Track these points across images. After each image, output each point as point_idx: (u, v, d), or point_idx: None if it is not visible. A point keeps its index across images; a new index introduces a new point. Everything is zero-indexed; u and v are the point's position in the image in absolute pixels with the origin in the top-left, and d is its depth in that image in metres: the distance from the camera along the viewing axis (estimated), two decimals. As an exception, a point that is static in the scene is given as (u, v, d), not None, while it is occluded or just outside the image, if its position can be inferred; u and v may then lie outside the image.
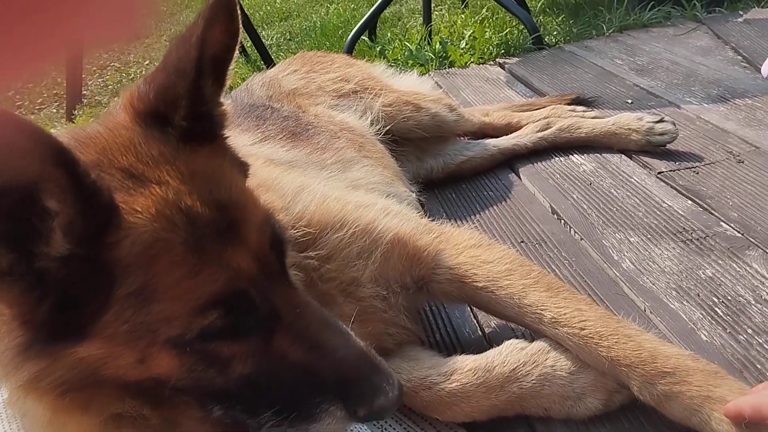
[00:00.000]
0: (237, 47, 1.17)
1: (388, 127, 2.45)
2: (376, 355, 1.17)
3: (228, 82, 1.19)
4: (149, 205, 1.00)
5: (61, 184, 0.91)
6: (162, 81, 1.12)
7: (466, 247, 1.57)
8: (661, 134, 2.42)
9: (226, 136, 1.22)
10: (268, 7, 7.09)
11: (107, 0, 0.46)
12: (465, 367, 1.40)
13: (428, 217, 1.76)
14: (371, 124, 2.42)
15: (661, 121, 2.45)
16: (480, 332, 1.73)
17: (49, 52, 0.44)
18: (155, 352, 1.03)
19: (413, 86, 2.79)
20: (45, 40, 0.43)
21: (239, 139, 1.90)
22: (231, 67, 1.18)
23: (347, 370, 1.12)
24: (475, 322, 1.77)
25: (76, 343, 1.01)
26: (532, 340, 1.46)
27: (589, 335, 1.36)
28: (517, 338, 1.48)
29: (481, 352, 1.47)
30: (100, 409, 1.09)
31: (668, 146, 2.43)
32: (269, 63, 4.63)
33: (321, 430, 1.12)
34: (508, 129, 2.76)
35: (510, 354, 1.41)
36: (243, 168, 1.24)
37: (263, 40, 5.06)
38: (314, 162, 1.95)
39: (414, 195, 2.25)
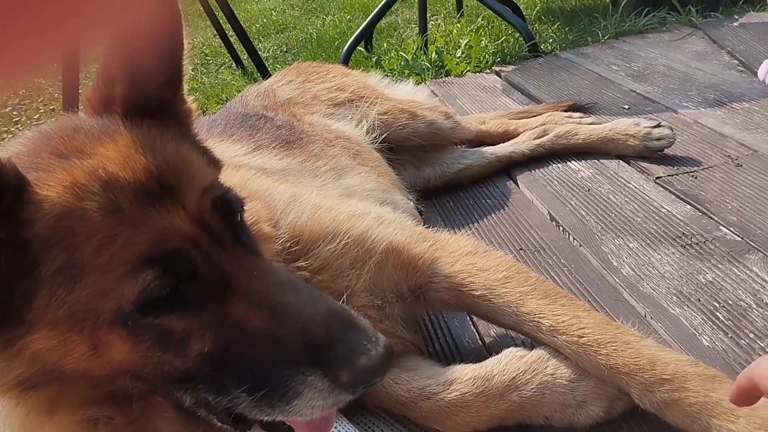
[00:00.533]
0: (183, 31, 1.14)
1: (384, 136, 2.45)
2: (353, 313, 1.06)
3: (184, 67, 1.18)
4: (63, 177, 0.98)
5: None
6: (106, 64, 1.13)
7: (463, 254, 1.56)
8: (659, 139, 2.41)
9: (184, 116, 1.21)
10: (265, 20, 7.10)
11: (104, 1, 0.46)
12: (464, 376, 1.39)
13: (425, 226, 1.75)
14: (367, 132, 2.41)
15: (658, 126, 2.44)
16: (480, 341, 1.72)
17: (47, 49, 0.43)
18: (104, 335, 0.98)
19: (409, 95, 2.78)
20: (43, 37, 0.43)
21: (231, 148, 1.89)
22: (184, 50, 1.16)
23: (317, 331, 1.00)
24: (474, 331, 1.76)
25: (24, 334, 0.97)
26: (531, 348, 1.44)
27: (588, 343, 1.35)
28: (516, 347, 1.46)
29: (481, 362, 1.45)
30: (71, 410, 1.06)
31: (666, 151, 2.42)
32: (265, 75, 4.63)
33: (305, 406, 1.01)
34: (505, 136, 2.75)
35: (509, 362, 1.39)
36: (209, 157, 1.21)
37: (260, 53, 5.07)
38: (308, 170, 1.94)
39: (412, 203, 2.24)
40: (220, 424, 1.12)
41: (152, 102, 1.13)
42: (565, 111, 2.91)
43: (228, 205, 1.11)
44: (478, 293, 1.49)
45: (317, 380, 0.99)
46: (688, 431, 1.25)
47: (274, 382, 1.01)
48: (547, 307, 1.42)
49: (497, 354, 1.45)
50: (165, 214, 1.00)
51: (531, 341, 1.53)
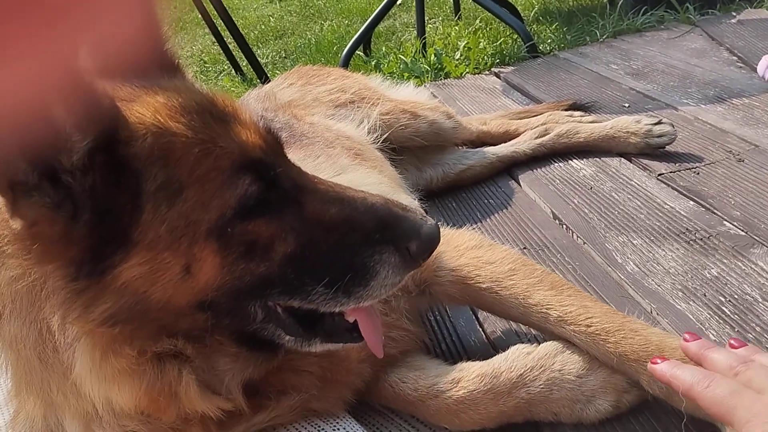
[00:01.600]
0: None
1: (386, 136, 2.44)
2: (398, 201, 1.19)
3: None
4: (146, 107, 1.05)
5: (62, 86, 0.92)
6: (117, 35, 1.14)
7: (468, 248, 1.57)
8: (660, 136, 2.41)
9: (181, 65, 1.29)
10: (263, 26, 7.11)
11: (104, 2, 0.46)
12: (472, 374, 1.38)
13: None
14: (369, 132, 2.41)
15: (659, 123, 2.44)
16: (486, 340, 1.71)
17: (53, 44, 0.44)
18: (198, 251, 1.03)
19: (410, 96, 2.78)
20: (48, 32, 0.43)
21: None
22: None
23: (383, 213, 1.13)
24: (480, 330, 1.75)
25: (122, 258, 1.01)
26: (538, 345, 1.44)
27: (596, 332, 1.36)
28: (523, 344, 1.46)
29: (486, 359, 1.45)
30: (142, 346, 1.07)
31: (667, 148, 2.42)
32: (265, 81, 4.64)
33: (379, 285, 1.12)
34: (506, 137, 2.75)
35: (516, 359, 1.39)
36: None
37: (259, 59, 5.07)
38: (307, 166, 1.94)
39: (416, 202, 2.24)
40: (287, 337, 1.18)
41: (171, 59, 1.23)
42: (566, 110, 2.91)
43: (274, 129, 1.21)
44: (484, 286, 1.50)
45: (391, 256, 1.11)
46: (695, 415, 1.26)
47: (355, 266, 1.11)
48: (554, 298, 1.43)
49: (502, 351, 1.45)
50: (240, 131, 1.10)
51: (539, 338, 1.53)
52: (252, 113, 1.19)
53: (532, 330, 1.65)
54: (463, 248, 1.57)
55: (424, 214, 1.17)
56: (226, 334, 1.15)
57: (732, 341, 1.25)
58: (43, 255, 1.01)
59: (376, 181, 2.03)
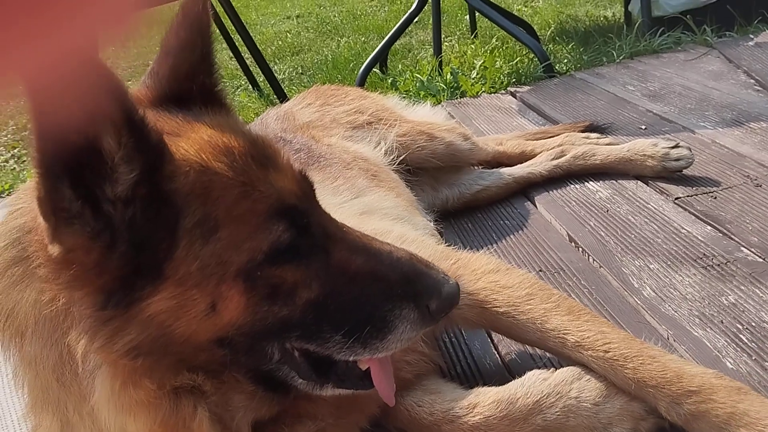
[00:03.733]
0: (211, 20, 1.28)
1: (402, 157, 2.46)
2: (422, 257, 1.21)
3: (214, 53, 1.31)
4: (191, 144, 1.08)
5: (115, 120, 0.96)
6: (172, 63, 1.22)
7: (485, 272, 1.58)
8: (677, 160, 2.40)
9: (227, 101, 1.32)
10: (280, 42, 7.17)
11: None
12: (488, 399, 1.38)
13: (446, 245, 1.75)
14: (385, 154, 2.43)
15: (676, 146, 2.43)
16: (501, 363, 1.71)
17: (63, 43, 0.44)
18: (226, 290, 1.05)
19: (427, 117, 2.80)
20: (57, 32, 0.44)
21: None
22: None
23: (407, 268, 1.15)
24: (496, 353, 1.75)
25: (150, 291, 1.02)
26: (555, 370, 1.44)
27: (614, 358, 1.36)
28: (539, 369, 1.46)
29: (503, 384, 1.45)
30: (163, 380, 1.09)
31: (684, 171, 2.41)
32: (282, 97, 4.67)
33: (396, 340, 1.13)
34: (523, 157, 2.76)
35: (533, 385, 1.39)
36: None
37: (275, 75, 5.11)
38: (327, 189, 1.96)
39: (431, 224, 2.24)
40: (300, 380, 1.20)
41: (219, 90, 1.28)
42: (583, 132, 2.91)
43: (307, 175, 1.23)
44: (501, 310, 1.50)
45: (410, 312, 1.13)
46: None
47: (374, 319, 1.12)
48: (571, 323, 1.44)
49: (519, 376, 1.45)
50: (277, 177, 1.11)
51: (555, 361, 1.53)
52: (289, 156, 1.22)
53: (548, 353, 1.65)
54: (480, 272, 1.57)
55: (445, 272, 1.18)
56: (242, 372, 1.17)
57: None
58: (75, 281, 1.03)
59: (392, 204, 2.05)
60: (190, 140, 1.09)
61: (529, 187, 2.64)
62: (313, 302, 1.11)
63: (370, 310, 1.13)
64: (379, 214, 1.94)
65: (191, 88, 1.22)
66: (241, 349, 1.13)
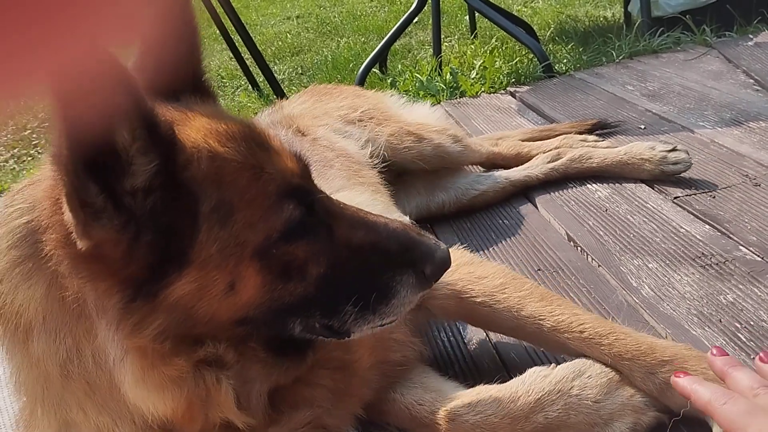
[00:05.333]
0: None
1: (389, 157, 2.44)
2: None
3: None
4: (196, 131, 1.11)
5: (129, 113, 0.98)
6: (159, 56, 1.22)
7: (460, 264, 1.63)
8: (675, 163, 2.40)
9: (213, 90, 1.35)
10: (280, 43, 7.17)
11: (114, 5, 0.47)
12: (488, 397, 1.39)
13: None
14: (371, 154, 2.41)
15: (674, 150, 2.42)
16: (499, 361, 1.72)
17: (69, 49, 0.45)
18: (243, 269, 1.09)
19: (423, 116, 2.77)
20: (63, 39, 0.44)
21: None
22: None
23: (403, 238, 1.22)
24: (494, 351, 1.76)
25: (176, 277, 1.06)
26: (555, 366, 1.45)
27: (590, 336, 1.45)
28: (538, 366, 1.46)
29: (501, 382, 1.46)
30: (188, 354, 1.12)
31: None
32: (281, 97, 4.66)
33: (399, 304, 1.20)
34: (519, 159, 2.74)
35: (533, 383, 1.40)
36: None
37: (275, 75, 5.12)
38: None
39: (409, 222, 2.22)
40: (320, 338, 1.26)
41: (207, 82, 1.31)
42: (588, 131, 2.91)
43: (302, 155, 1.27)
44: (479, 300, 1.56)
45: (409, 277, 1.20)
46: (685, 412, 1.32)
47: (379, 287, 1.19)
48: (545, 309, 1.51)
49: (516, 374, 1.46)
50: (279, 159, 1.16)
51: (553, 358, 1.54)
52: (282, 139, 1.26)
53: (546, 352, 1.66)
54: (456, 265, 1.60)
55: (435, 239, 1.26)
56: (260, 342, 1.21)
57: (762, 354, 1.28)
58: (101, 274, 1.05)
59: (366, 198, 2.05)
60: (194, 128, 1.12)
61: (527, 189, 2.63)
62: (324, 276, 1.16)
63: (374, 278, 1.20)
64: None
65: (182, 78, 1.24)
66: (262, 325, 1.17)
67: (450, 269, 1.57)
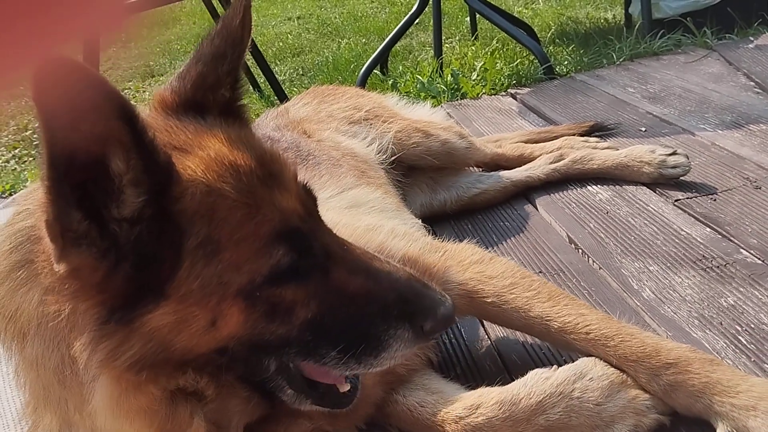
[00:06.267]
0: (250, 39, 1.29)
1: (397, 155, 2.46)
2: (421, 276, 1.24)
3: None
4: (198, 162, 1.08)
5: (125, 142, 0.97)
6: (200, 70, 1.24)
7: (471, 263, 1.64)
8: (674, 167, 2.40)
9: (245, 113, 1.34)
10: (281, 44, 7.18)
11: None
12: (491, 400, 1.39)
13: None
14: (378, 151, 2.43)
15: (673, 153, 2.43)
16: (501, 364, 1.72)
17: (63, 40, 0.45)
18: (226, 308, 1.07)
19: (425, 116, 2.80)
20: (59, 29, 0.45)
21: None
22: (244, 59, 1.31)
23: (405, 289, 1.17)
24: (496, 354, 1.76)
25: (152, 308, 1.04)
26: (557, 367, 1.45)
27: (596, 338, 1.46)
28: (540, 368, 1.47)
29: (502, 384, 1.46)
30: (164, 384, 1.11)
31: (683, 174, 2.42)
32: (282, 98, 4.68)
33: (389, 357, 1.16)
34: (521, 160, 2.76)
35: (535, 385, 1.40)
36: None
37: (276, 76, 5.12)
38: (313, 185, 1.98)
39: (419, 222, 2.23)
40: (289, 392, 1.23)
41: (239, 103, 1.30)
42: (586, 132, 2.92)
43: (311, 190, 1.25)
44: (489, 300, 1.58)
45: (405, 332, 1.15)
46: (692, 410, 1.35)
47: (369, 338, 1.15)
48: (552, 309, 1.52)
49: (518, 376, 1.46)
50: (282, 197, 1.12)
51: (555, 358, 1.55)
52: (295, 171, 1.23)
53: (547, 351, 1.68)
54: (467, 263, 1.63)
55: (443, 293, 1.20)
56: (237, 378, 1.19)
57: None
58: (80, 294, 1.05)
59: (378, 197, 2.06)
60: (197, 158, 1.10)
61: (528, 190, 2.64)
62: (311, 320, 1.13)
63: (366, 328, 1.15)
64: (365, 207, 1.97)
65: (212, 98, 1.23)
66: (240, 358, 1.15)
67: (462, 267, 1.61)
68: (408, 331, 1.15)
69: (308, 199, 1.22)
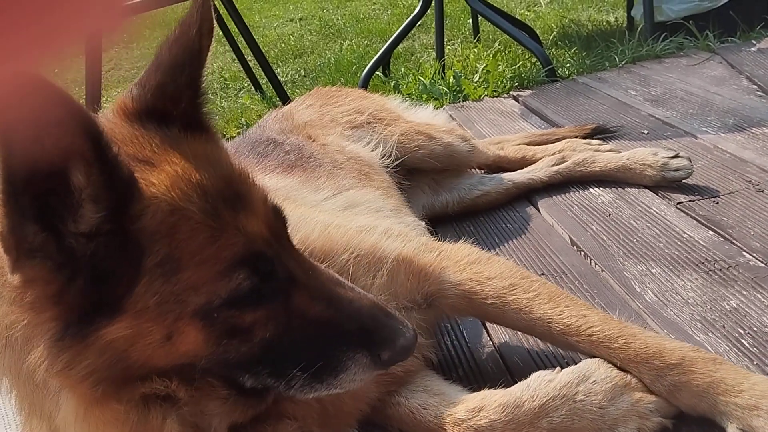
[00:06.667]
0: (210, 46, 1.25)
1: (400, 158, 2.46)
2: (386, 304, 1.25)
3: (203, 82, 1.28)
4: (163, 179, 1.06)
5: (87, 157, 0.96)
6: (160, 79, 1.20)
7: (468, 263, 1.63)
8: (676, 170, 2.40)
9: (211, 127, 1.30)
10: (283, 45, 7.18)
11: None
12: (493, 403, 1.39)
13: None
14: (382, 154, 2.43)
15: (676, 156, 2.42)
16: (503, 365, 1.72)
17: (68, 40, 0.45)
18: (182, 326, 1.06)
19: (428, 119, 2.81)
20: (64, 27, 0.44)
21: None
22: (205, 67, 1.26)
23: (366, 318, 1.18)
24: (497, 355, 1.76)
25: (107, 323, 1.03)
26: (560, 369, 1.45)
27: (599, 340, 1.46)
28: (540, 369, 1.46)
29: (505, 386, 1.46)
30: (131, 393, 1.10)
31: (686, 176, 2.42)
32: (284, 99, 4.68)
33: (348, 379, 1.18)
34: (523, 162, 2.76)
35: (538, 388, 1.40)
36: None
37: (278, 77, 5.12)
38: (309, 186, 1.98)
39: (423, 224, 2.23)
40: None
41: (202, 115, 1.25)
42: (588, 135, 2.92)
43: (281, 213, 1.24)
44: (489, 302, 1.57)
45: (363, 358, 1.17)
46: (696, 410, 1.36)
47: (327, 357, 1.17)
48: (554, 311, 1.52)
49: (520, 378, 1.47)
50: (247, 220, 1.11)
51: (558, 359, 1.55)
52: (264, 192, 1.22)
53: (549, 353, 1.69)
54: (464, 263, 1.63)
55: (405, 323, 1.21)
56: (220, 379, 1.18)
57: None
58: (35, 306, 1.04)
59: (374, 197, 2.06)
60: (162, 174, 1.08)
61: (530, 192, 2.64)
62: (269, 340, 1.14)
63: (324, 350, 1.17)
64: (362, 207, 1.97)
65: (173, 109, 1.20)
66: (214, 373, 1.15)
67: (459, 268, 1.60)
68: (366, 357, 1.17)
69: (276, 221, 1.21)
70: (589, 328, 1.47)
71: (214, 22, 1.25)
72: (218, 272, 1.06)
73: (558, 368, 1.45)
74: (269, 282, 1.12)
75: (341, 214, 1.85)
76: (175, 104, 1.20)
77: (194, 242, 1.05)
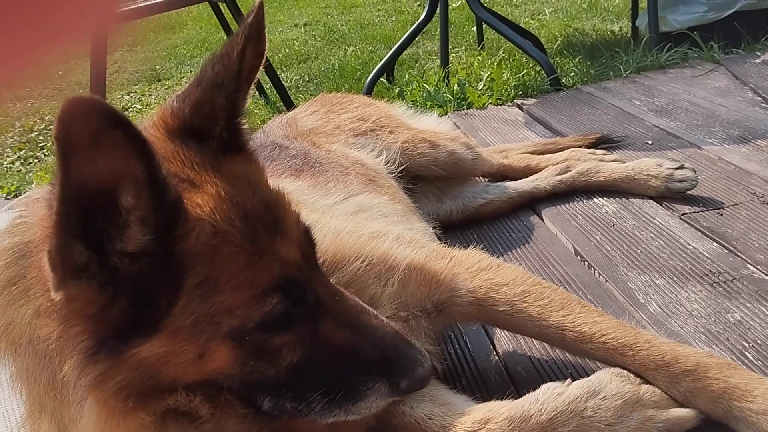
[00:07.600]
0: (261, 67, 1.26)
1: (404, 165, 2.46)
2: (407, 333, 1.28)
3: (248, 101, 1.28)
4: (207, 200, 1.08)
5: (138, 179, 0.97)
6: (198, 96, 1.20)
7: (479, 270, 1.63)
8: (681, 181, 2.40)
9: (250, 148, 1.30)
10: (287, 50, 7.19)
11: None
12: (500, 415, 1.38)
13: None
14: (386, 161, 2.43)
15: (680, 167, 2.43)
16: (507, 376, 1.72)
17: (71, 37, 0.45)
18: (215, 346, 1.08)
19: (432, 126, 2.81)
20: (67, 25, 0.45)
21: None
22: (252, 87, 1.27)
23: (388, 347, 1.20)
24: (501, 366, 1.76)
25: (143, 341, 1.05)
26: (570, 381, 1.44)
27: (613, 347, 1.46)
28: (544, 381, 1.46)
29: (510, 396, 1.45)
30: (157, 405, 1.11)
31: (690, 188, 2.42)
32: (289, 104, 4.69)
33: (366, 407, 1.20)
34: (527, 171, 2.76)
35: (546, 401, 1.38)
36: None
37: (283, 82, 5.13)
38: (318, 191, 1.98)
39: (431, 229, 2.23)
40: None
41: (240, 135, 1.25)
42: (592, 144, 2.92)
43: (312, 238, 1.26)
44: (501, 309, 1.57)
45: (382, 387, 1.19)
46: (711, 415, 1.36)
47: (349, 386, 1.18)
48: (566, 318, 1.52)
49: (524, 388, 1.47)
50: (283, 246, 1.13)
51: (563, 369, 1.56)
52: (297, 215, 1.24)
53: (554, 363, 1.69)
54: (475, 270, 1.63)
55: (424, 352, 1.24)
56: (238, 396, 1.19)
57: None
58: (72, 320, 1.05)
59: (383, 201, 2.06)
60: (206, 195, 1.09)
61: (534, 201, 2.64)
62: (296, 364, 1.16)
63: (346, 378, 1.19)
64: (372, 211, 1.97)
65: (211, 127, 1.20)
66: (235, 391, 1.17)
67: (470, 275, 1.61)
68: (385, 386, 1.19)
69: (308, 245, 1.23)
70: (603, 335, 1.47)
71: (265, 45, 1.23)
72: (253, 296, 1.08)
73: (569, 380, 1.44)
74: (299, 307, 1.14)
75: (352, 218, 1.85)
76: (212, 123, 1.20)
77: (233, 265, 1.07)
